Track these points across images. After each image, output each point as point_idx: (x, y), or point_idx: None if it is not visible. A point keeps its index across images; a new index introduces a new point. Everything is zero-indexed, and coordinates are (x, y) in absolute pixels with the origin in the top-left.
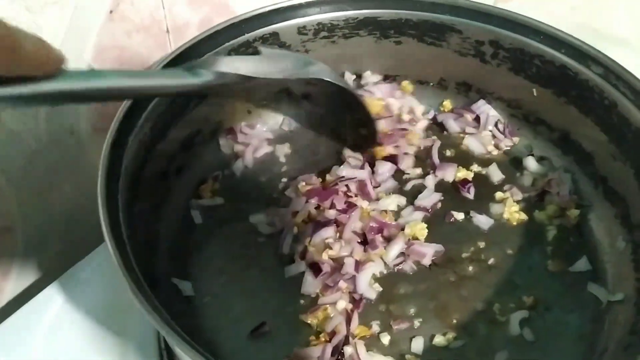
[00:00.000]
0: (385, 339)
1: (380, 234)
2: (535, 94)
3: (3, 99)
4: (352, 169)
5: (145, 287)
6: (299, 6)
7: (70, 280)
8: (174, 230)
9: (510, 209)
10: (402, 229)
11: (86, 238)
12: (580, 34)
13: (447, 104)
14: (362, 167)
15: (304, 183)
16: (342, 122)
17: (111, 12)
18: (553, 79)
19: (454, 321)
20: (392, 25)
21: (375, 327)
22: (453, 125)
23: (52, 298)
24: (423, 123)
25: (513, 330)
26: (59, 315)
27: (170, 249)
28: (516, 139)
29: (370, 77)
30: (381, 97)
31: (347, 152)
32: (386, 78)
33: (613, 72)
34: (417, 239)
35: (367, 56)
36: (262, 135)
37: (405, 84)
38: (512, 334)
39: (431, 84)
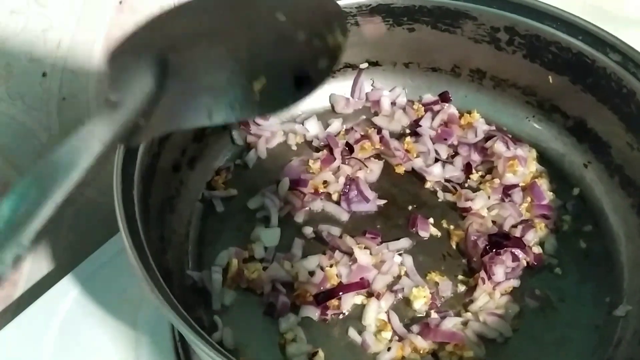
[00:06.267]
0: None
1: None
2: (550, 81)
3: None
4: None
5: (161, 282)
6: None
7: (84, 272)
8: (187, 222)
9: None
10: None
11: (96, 231)
12: (591, 16)
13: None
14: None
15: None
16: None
17: (120, 3)
18: (569, 66)
19: None
20: (405, 12)
21: None
22: None
23: (66, 291)
24: None
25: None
26: (73, 307)
27: (183, 242)
28: None
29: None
30: None
31: None
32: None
33: (632, 59)
34: None
35: (380, 43)
36: (275, 127)
37: None
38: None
39: (444, 71)
